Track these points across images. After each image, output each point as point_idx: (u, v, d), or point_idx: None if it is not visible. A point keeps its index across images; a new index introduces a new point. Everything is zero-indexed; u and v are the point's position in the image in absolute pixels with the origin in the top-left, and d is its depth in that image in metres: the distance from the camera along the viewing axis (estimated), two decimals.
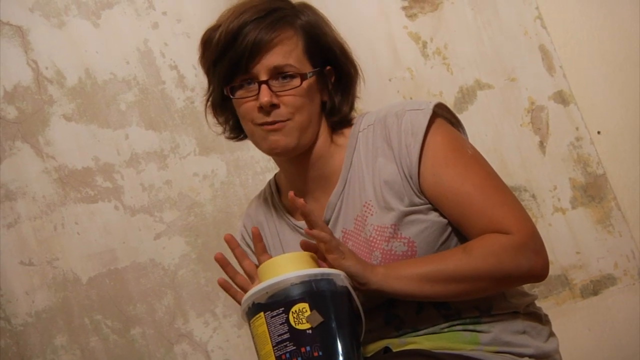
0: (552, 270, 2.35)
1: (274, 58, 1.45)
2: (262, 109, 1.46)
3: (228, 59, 1.46)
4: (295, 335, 1.27)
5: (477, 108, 2.39)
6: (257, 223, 1.68)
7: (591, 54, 2.41)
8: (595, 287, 2.36)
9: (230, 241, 1.44)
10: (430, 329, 1.47)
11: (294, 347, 1.26)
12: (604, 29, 2.40)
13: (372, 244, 1.48)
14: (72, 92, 2.39)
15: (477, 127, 2.36)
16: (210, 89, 1.55)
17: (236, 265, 1.46)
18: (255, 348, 1.32)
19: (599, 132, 2.40)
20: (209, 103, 1.57)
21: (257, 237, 1.45)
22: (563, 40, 2.41)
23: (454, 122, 1.55)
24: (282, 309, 1.28)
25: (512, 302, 1.51)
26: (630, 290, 2.35)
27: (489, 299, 1.48)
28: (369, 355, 1.48)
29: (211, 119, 1.59)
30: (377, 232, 1.47)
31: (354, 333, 1.33)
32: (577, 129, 2.39)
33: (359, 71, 1.57)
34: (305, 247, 1.38)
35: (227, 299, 2.35)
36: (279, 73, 1.46)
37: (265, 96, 1.45)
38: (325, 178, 1.55)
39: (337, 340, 1.29)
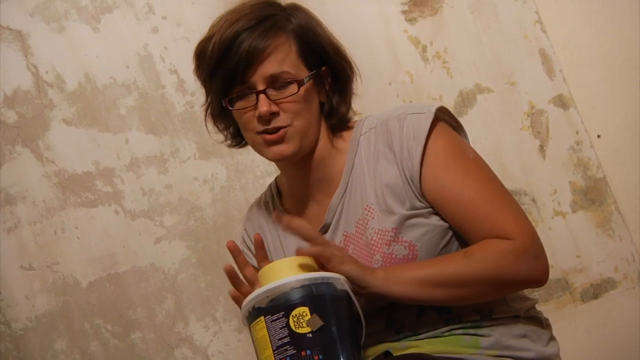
0: (553, 274, 2.35)
1: (269, 66, 1.45)
2: (261, 117, 1.46)
3: (223, 71, 1.45)
4: (296, 339, 1.27)
5: (477, 112, 2.39)
6: (258, 226, 1.68)
7: (591, 57, 2.41)
8: (595, 291, 2.36)
9: (234, 249, 1.44)
10: (431, 333, 1.47)
11: (295, 351, 1.26)
12: (604, 33, 2.40)
13: (373, 247, 1.48)
14: (72, 96, 2.39)
15: (477, 131, 2.36)
16: (208, 99, 1.54)
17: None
18: (256, 352, 1.32)
19: (598, 136, 2.40)
20: (208, 113, 1.56)
21: (260, 244, 1.45)
22: (563, 44, 2.41)
23: (455, 126, 1.55)
24: (282, 312, 1.28)
25: (513, 306, 1.51)
26: (630, 294, 2.35)
27: (489, 302, 1.48)
28: (369, 359, 1.48)
29: (211, 126, 1.59)
30: (378, 236, 1.47)
31: (354, 337, 1.33)
32: (577, 132, 2.39)
33: (355, 69, 1.56)
34: (302, 254, 1.38)
35: (227, 303, 2.35)
36: (275, 81, 1.45)
37: (264, 106, 1.44)
38: (327, 181, 1.55)
39: (337, 344, 1.29)
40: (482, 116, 2.39)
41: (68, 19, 2.40)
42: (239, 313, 1.39)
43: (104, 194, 2.37)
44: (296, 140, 1.48)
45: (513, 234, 1.42)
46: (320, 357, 1.26)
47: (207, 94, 1.54)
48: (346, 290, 1.34)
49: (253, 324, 1.31)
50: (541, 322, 1.56)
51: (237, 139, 1.59)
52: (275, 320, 1.28)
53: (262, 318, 1.29)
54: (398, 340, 1.48)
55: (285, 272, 1.32)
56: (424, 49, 2.42)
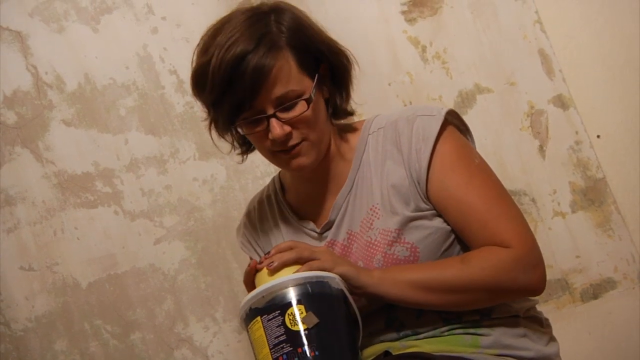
0: (552, 275, 2.35)
1: (275, 89, 1.42)
2: (275, 140, 1.44)
3: (229, 100, 1.42)
4: (292, 336, 1.28)
5: (477, 112, 2.39)
6: (259, 221, 1.68)
7: (590, 57, 2.41)
8: (595, 291, 2.36)
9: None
10: (431, 332, 1.47)
11: (291, 348, 1.27)
12: (604, 33, 2.40)
13: (375, 247, 1.48)
14: (72, 97, 2.39)
15: (476, 131, 2.34)
16: (210, 116, 1.50)
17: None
18: (253, 353, 1.32)
19: (598, 136, 2.40)
20: (212, 127, 1.52)
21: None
22: (562, 44, 2.41)
23: (463, 130, 1.55)
24: (278, 311, 1.29)
25: (513, 306, 1.51)
26: (630, 294, 2.35)
27: None
28: (369, 359, 1.48)
29: (215, 136, 1.56)
30: (382, 236, 1.47)
31: (351, 334, 1.33)
32: (576, 132, 2.39)
33: (350, 57, 1.54)
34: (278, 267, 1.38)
35: (227, 303, 2.35)
36: (283, 102, 1.43)
37: (276, 130, 1.42)
38: (333, 178, 1.55)
39: (333, 341, 1.29)
40: (481, 116, 2.39)
41: (68, 20, 2.40)
42: (238, 313, 1.39)
43: (104, 194, 2.37)
44: (313, 151, 1.47)
45: (512, 242, 1.42)
46: (317, 353, 1.27)
47: (209, 114, 1.50)
48: (342, 290, 1.34)
49: (250, 325, 1.32)
50: (541, 322, 1.56)
51: (245, 147, 1.58)
52: (272, 319, 1.29)
53: (258, 318, 1.30)
54: (398, 339, 1.48)
55: (281, 273, 1.33)
56: (424, 49, 2.42)
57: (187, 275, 2.37)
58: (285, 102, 1.43)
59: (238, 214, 2.33)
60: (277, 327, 1.28)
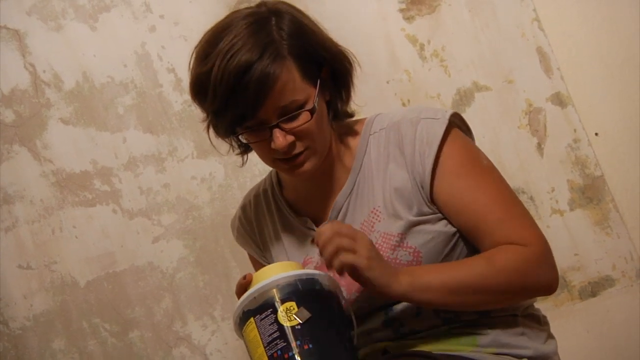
0: None
1: (279, 99, 1.39)
2: (278, 150, 1.42)
3: (232, 110, 1.39)
4: (285, 332, 1.28)
5: (475, 110, 2.39)
6: (254, 216, 1.67)
7: (589, 55, 2.41)
8: (593, 289, 2.36)
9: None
10: (429, 332, 1.47)
11: (285, 344, 1.27)
12: (602, 31, 2.40)
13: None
14: (70, 95, 2.39)
15: (474, 129, 2.32)
16: (211, 121, 1.47)
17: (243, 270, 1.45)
18: (249, 355, 1.33)
19: (596, 134, 2.40)
20: (210, 129, 1.50)
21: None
22: (560, 42, 2.41)
23: (465, 131, 1.55)
24: (270, 310, 1.30)
25: (511, 305, 1.51)
26: (629, 292, 2.35)
27: None
28: (367, 357, 1.48)
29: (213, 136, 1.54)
30: (383, 239, 1.46)
31: (345, 329, 1.33)
32: (574, 130, 2.39)
33: (351, 59, 1.52)
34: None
35: (225, 302, 2.35)
36: (286, 112, 1.41)
37: (279, 140, 1.40)
38: (333, 178, 1.54)
39: (327, 334, 1.29)
40: (479, 114, 2.39)
41: (65, 18, 2.40)
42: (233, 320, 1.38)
43: (102, 193, 2.37)
44: (315, 158, 1.46)
45: (530, 240, 1.41)
46: (310, 345, 1.27)
47: (208, 117, 1.47)
48: (334, 287, 1.35)
49: (244, 328, 1.32)
50: (539, 320, 1.56)
51: (244, 148, 1.55)
52: (264, 318, 1.29)
53: (252, 319, 1.31)
54: (396, 338, 1.48)
55: (272, 274, 1.33)
56: (422, 47, 2.42)
57: (186, 274, 2.37)
58: (289, 112, 1.41)
59: None
60: (270, 325, 1.29)
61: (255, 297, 1.31)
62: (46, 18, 2.39)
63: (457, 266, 1.43)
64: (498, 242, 1.41)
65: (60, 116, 2.38)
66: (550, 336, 1.57)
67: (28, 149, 2.37)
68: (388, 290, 1.34)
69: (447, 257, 1.46)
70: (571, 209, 2.37)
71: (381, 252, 1.45)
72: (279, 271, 1.34)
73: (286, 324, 1.28)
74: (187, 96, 2.37)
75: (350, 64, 1.52)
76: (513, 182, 2.36)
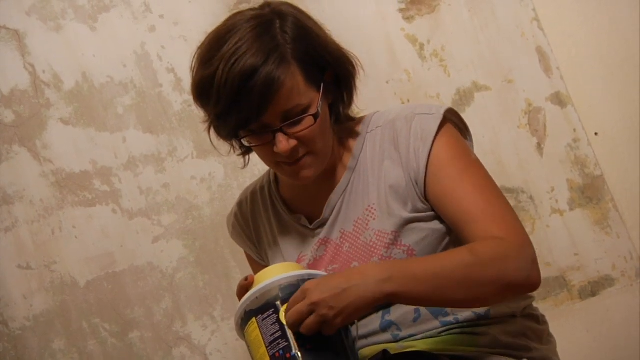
0: (550, 272, 2.35)
1: (283, 104, 1.38)
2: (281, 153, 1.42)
3: (235, 114, 1.39)
4: (287, 331, 1.28)
5: (475, 110, 2.39)
6: (250, 212, 1.67)
7: (588, 55, 2.41)
8: (593, 289, 2.36)
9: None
10: (428, 333, 1.46)
11: (287, 343, 1.27)
12: (602, 30, 2.40)
13: (372, 249, 1.47)
14: (69, 95, 2.39)
15: (474, 129, 2.33)
16: (213, 123, 1.47)
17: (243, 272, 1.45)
18: (251, 354, 1.33)
19: (596, 134, 2.40)
20: (211, 130, 1.49)
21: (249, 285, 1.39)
22: (560, 42, 2.41)
23: (462, 129, 1.54)
24: (272, 309, 1.30)
25: (510, 306, 1.51)
26: (628, 291, 2.35)
27: None
28: (367, 358, 1.48)
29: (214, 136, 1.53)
30: (378, 237, 1.46)
31: (346, 328, 1.33)
32: (574, 130, 2.39)
33: (355, 62, 1.51)
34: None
35: (225, 302, 2.35)
36: (290, 116, 1.40)
37: (283, 144, 1.40)
38: (329, 175, 1.54)
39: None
40: (479, 114, 2.39)
41: (65, 18, 2.40)
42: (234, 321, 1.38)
43: (102, 193, 2.37)
44: (318, 162, 1.46)
45: (510, 234, 1.40)
46: (312, 345, 1.27)
47: (210, 118, 1.47)
48: None
49: (246, 328, 1.32)
50: (538, 320, 1.56)
51: (245, 149, 1.53)
52: (266, 318, 1.29)
53: (254, 319, 1.31)
54: (394, 342, 1.47)
55: (274, 274, 1.34)
56: (422, 47, 2.42)
57: (186, 274, 2.37)
58: (293, 116, 1.40)
59: None
60: (272, 324, 1.29)
61: (257, 297, 1.31)
62: (46, 18, 2.39)
63: (439, 256, 1.40)
64: (477, 233, 1.39)
65: (60, 116, 2.38)
66: (549, 335, 1.57)
67: (28, 149, 2.37)
68: (373, 302, 1.28)
69: None
70: (571, 209, 2.37)
71: (376, 251, 1.46)
72: (281, 271, 1.34)
73: None
74: (187, 96, 2.39)
75: (354, 68, 1.51)
76: (513, 181, 2.36)
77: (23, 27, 2.39)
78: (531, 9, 2.41)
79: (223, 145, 1.56)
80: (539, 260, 1.41)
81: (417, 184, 1.45)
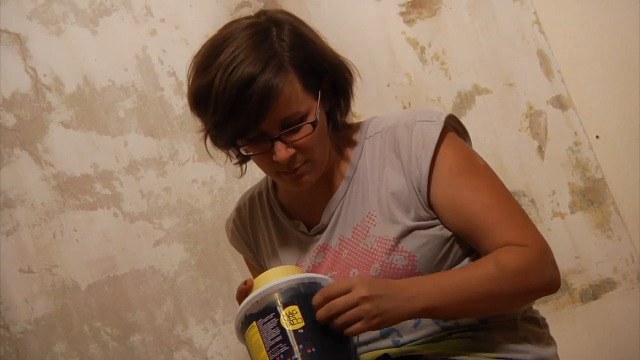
0: None
1: (282, 112, 1.38)
2: (279, 162, 1.41)
3: (233, 122, 1.38)
4: (288, 336, 1.28)
5: (476, 113, 2.39)
6: (248, 217, 1.67)
7: (589, 58, 2.41)
8: (594, 292, 2.36)
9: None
10: (429, 338, 1.46)
11: (287, 348, 1.27)
12: (602, 33, 2.40)
13: (373, 255, 1.46)
14: (71, 99, 2.39)
15: (475, 132, 2.35)
16: (210, 132, 1.46)
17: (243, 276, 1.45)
18: (252, 359, 1.32)
19: (597, 137, 2.40)
20: (207, 139, 1.48)
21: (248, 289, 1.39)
22: (561, 45, 2.41)
23: (462, 134, 1.54)
24: (273, 314, 1.29)
25: (517, 309, 1.51)
26: (630, 295, 2.35)
27: None
28: None
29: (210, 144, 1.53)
30: (379, 244, 1.46)
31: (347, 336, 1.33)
32: (575, 133, 2.39)
33: (352, 70, 1.50)
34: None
35: (226, 305, 2.35)
36: (288, 124, 1.40)
37: (281, 153, 1.39)
38: (327, 182, 1.53)
39: (330, 338, 1.29)
40: (480, 117, 2.39)
41: (66, 22, 2.40)
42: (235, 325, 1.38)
43: (103, 196, 2.37)
44: (316, 169, 1.46)
45: (529, 240, 1.41)
46: (314, 349, 1.27)
47: (206, 127, 1.45)
48: None
49: (246, 332, 1.32)
50: (538, 323, 1.56)
51: (242, 158, 1.53)
52: (267, 322, 1.29)
53: (254, 323, 1.30)
54: (395, 347, 1.47)
55: (274, 278, 1.33)
56: (422, 50, 2.42)
57: (187, 277, 2.37)
58: (291, 125, 1.40)
59: None
60: (272, 329, 1.28)
61: (257, 301, 1.31)
62: (47, 22, 2.39)
63: (466, 270, 1.42)
64: (497, 243, 1.40)
65: (61, 120, 2.38)
66: (550, 339, 1.57)
67: (29, 153, 2.37)
68: (408, 317, 1.33)
69: (441, 260, 1.46)
70: (572, 212, 2.37)
71: (377, 257, 1.45)
72: (281, 275, 1.34)
73: (289, 327, 1.28)
74: None
75: (351, 75, 1.50)
76: (514, 185, 2.36)
77: (24, 31, 2.39)
78: (532, 12, 2.41)
79: (221, 154, 1.55)
80: None
81: (419, 191, 1.45)
